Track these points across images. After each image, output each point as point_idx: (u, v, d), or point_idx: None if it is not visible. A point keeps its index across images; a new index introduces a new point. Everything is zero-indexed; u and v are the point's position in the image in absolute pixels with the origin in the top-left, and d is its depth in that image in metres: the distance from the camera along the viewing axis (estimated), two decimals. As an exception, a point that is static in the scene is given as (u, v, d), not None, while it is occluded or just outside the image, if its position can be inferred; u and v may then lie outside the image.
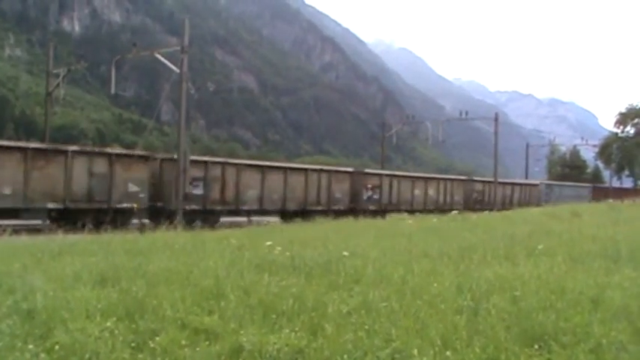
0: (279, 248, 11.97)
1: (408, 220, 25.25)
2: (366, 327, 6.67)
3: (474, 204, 56.36)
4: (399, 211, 46.76)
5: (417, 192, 51.84)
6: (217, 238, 16.72)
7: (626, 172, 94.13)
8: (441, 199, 54.46)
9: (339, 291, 8.57)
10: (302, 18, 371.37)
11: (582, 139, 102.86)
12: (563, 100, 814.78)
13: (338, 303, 7.68)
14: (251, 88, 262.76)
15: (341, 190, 44.31)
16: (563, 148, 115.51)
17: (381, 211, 45.91)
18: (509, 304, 7.72)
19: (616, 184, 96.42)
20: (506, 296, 8.19)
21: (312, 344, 6.24)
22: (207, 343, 6.35)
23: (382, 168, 64.94)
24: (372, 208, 45.98)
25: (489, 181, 62.41)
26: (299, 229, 22.30)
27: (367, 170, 50.43)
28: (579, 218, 27.06)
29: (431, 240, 16.15)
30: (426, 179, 55.01)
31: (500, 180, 63.73)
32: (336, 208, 42.50)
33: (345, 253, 11.61)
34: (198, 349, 6.18)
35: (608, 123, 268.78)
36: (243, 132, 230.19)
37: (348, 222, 27.41)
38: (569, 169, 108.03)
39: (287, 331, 6.53)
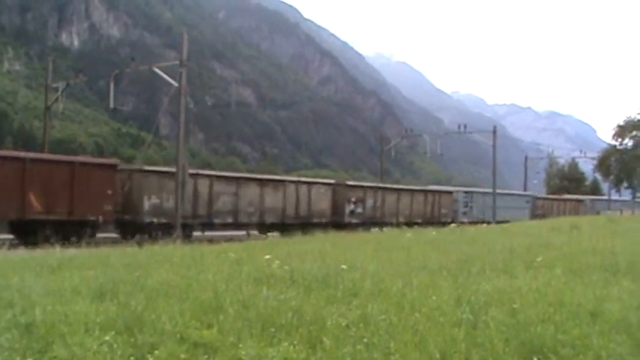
0: (277, 262, 11.96)
1: (406, 234, 25.22)
2: (365, 340, 6.67)
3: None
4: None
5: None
6: (216, 252, 16.70)
7: (625, 185, 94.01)
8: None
9: (337, 304, 8.57)
10: (300, 32, 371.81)
11: (581, 151, 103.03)
12: (562, 112, 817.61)
13: (337, 316, 7.67)
14: (249, 101, 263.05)
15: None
16: (561, 161, 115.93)
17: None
18: (508, 317, 7.73)
19: (615, 196, 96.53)
20: (504, 309, 8.19)
21: (310, 358, 6.25)
22: (206, 356, 6.35)
23: (381, 181, 64.94)
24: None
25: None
26: (297, 242, 22.27)
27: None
28: (578, 230, 27.06)
29: (429, 253, 16.14)
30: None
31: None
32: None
33: (344, 267, 11.61)
34: (197, 362, 6.19)
35: (606, 135, 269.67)
36: (242, 146, 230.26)
37: (345, 236, 27.34)
38: (567, 181, 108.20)
39: (286, 344, 6.53)
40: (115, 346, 6.35)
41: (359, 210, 46.18)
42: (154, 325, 7.13)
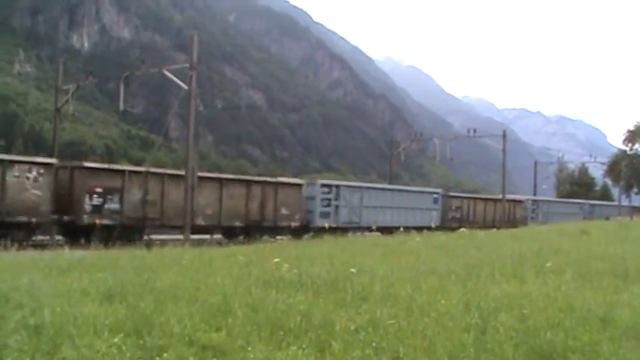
0: (286, 265, 11.95)
1: (416, 238, 25.17)
2: (374, 344, 6.66)
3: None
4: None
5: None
6: (225, 255, 16.72)
7: (635, 190, 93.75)
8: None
9: (346, 308, 8.57)
10: (310, 35, 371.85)
11: (591, 156, 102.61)
12: (572, 117, 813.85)
13: (345, 320, 7.66)
14: (259, 104, 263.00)
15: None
16: (571, 166, 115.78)
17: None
18: (518, 322, 7.71)
19: (625, 201, 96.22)
20: (514, 314, 8.18)
21: (319, 361, 6.24)
22: (214, 359, 6.35)
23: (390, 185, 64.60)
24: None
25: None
26: (306, 245, 22.28)
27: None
28: (588, 236, 26.97)
29: (438, 257, 16.12)
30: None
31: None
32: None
33: (353, 270, 11.59)
34: (205, 365, 6.18)
35: (616, 140, 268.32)
36: (252, 149, 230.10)
37: (354, 239, 27.31)
38: (577, 186, 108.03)
39: (294, 348, 6.53)
40: (124, 348, 6.36)
41: (113, 206, 31.80)
42: (163, 328, 7.13)
